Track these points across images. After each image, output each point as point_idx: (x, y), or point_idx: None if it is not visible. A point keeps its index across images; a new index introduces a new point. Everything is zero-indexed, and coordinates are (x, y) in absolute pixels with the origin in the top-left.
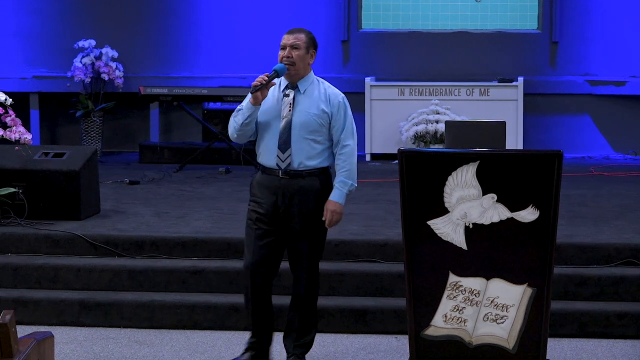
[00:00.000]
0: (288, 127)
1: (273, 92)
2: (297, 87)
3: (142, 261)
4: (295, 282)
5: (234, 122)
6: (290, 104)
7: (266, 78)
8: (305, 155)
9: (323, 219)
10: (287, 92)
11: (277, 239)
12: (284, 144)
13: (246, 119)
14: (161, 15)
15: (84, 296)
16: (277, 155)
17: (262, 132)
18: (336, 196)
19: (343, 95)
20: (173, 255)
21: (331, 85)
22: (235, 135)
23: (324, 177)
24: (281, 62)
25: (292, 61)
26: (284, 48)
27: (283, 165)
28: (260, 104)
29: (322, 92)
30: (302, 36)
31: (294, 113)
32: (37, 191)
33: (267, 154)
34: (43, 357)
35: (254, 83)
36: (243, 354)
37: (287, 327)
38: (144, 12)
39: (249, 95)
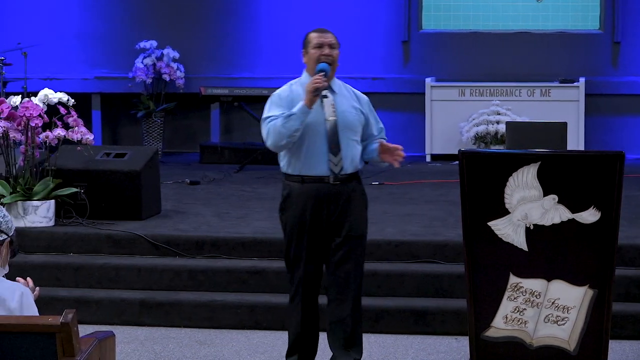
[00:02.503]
0: (335, 129)
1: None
2: (330, 87)
3: (202, 261)
4: (335, 303)
5: (284, 129)
6: (332, 105)
7: (324, 79)
8: (352, 157)
9: (396, 156)
10: (324, 92)
11: (321, 254)
12: (335, 147)
13: (300, 125)
14: (222, 16)
15: (144, 296)
16: (330, 160)
17: (307, 138)
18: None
19: None
20: (233, 255)
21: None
22: (284, 143)
23: (360, 180)
24: (320, 62)
25: (332, 60)
26: (320, 47)
27: (337, 170)
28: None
29: (350, 92)
30: (334, 36)
31: (337, 114)
32: (98, 191)
33: (315, 161)
34: (104, 356)
35: (316, 85)
36: None
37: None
38: (204, 13)
39: (300, 104)
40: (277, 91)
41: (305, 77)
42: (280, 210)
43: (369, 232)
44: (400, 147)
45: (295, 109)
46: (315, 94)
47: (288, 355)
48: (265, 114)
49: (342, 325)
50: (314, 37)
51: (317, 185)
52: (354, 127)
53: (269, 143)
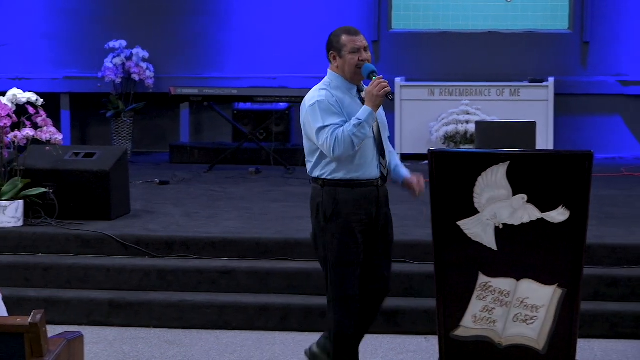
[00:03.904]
0: (379, 131)
1: (350, 99)
2: (361, 89)
3: (172, 261)
4: (371, 308)
5: (356, 138)
6: None
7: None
8: (389, 158)
9: (418, 189)
10: (362, 95)
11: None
12: (382, 149)
13: (370, 131)
14: (191, 16)
15: (114, 296)
16: (380, 163)
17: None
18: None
19: None
20: (203, 255)
21: None
22: (356, 149)
23: None
24: (358, 67)
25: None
26: (357, 51)
27: (385, 172)
28: None
29: None
30: (364, 35)
31: (377, 116)
32: (67, 191)
33: (368, 165)
34: (73, 356)
35: (386, 89)
36: None
37: None
38: (174, 12)
39: (366, 109)
40: (318, 98)
41: (337, 80)
42: (326, 218)
43: None
44: (422, 181)
45: (362, 115)
46: (386, 95)
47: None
48: (321, 122)
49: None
50: (347, 40)
51: (368, 189)
52: (386, 128)
53: (337, 152)
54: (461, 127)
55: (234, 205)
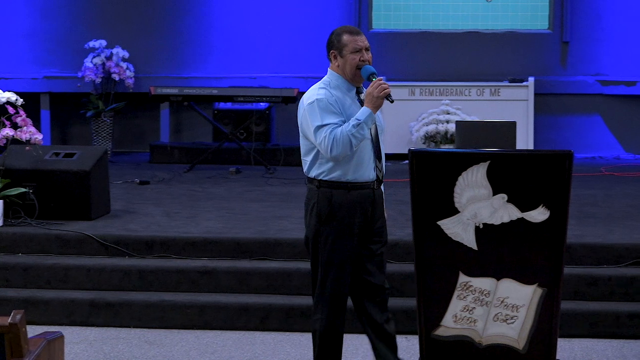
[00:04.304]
0: (376, 133)
1: (350, 99)
2: (360, 91)
3: (152, 261)
4: (376, 308)
5: (355, 139)
6: None
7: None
8: (384, 161)
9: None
10: (361, 97)
11: (359, 259)
12: (378, 151)
13: (368, 132)
14: (172, 16)
15: (94, 296)
16: (377, 166)
17: None
18: None
19: None
20: (183, 255)
21: None
22: (353, 149)
23: None
24: (358, 67)
25: (369, 64)
26: (359, 51)
27: (380, 175)
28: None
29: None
30: (365, 36)
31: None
32: (47, 191)
33: (364, 167)
34: (53, 357)
35: (387, 90)
36: None
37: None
38: (154, 12)
39: (365, 110)
40: (317, 97)
41: (337, 79)
42: (321, 220)
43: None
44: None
45: (361, 116)
46: (387, 97)
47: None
48: (319, 121)
49: (387, 325)
50: (349, 40)
51: (364, 191)
52: (384, 130)
53: (334, 152)
54: (441, 127)
55: (214, 205)
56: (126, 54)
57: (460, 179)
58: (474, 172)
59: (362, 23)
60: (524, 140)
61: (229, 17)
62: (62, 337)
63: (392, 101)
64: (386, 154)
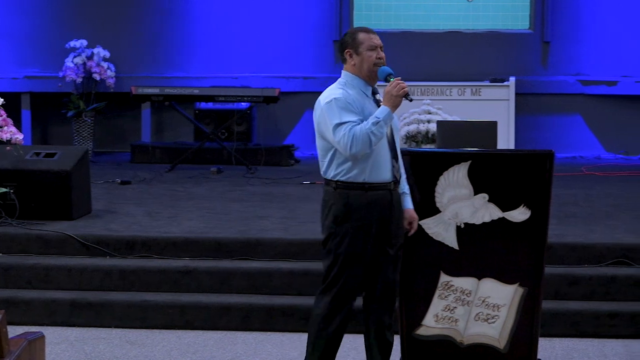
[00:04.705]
0: (392, 134)
1: (366, 99)
2: (377, 92)
3: (133, 261)
4: (381, 310)
5: (374, 137)
6: None
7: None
8: (401, 162)
9: (407, 228)
10: (377, 97)
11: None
12: (395, 152)
13: (386, 131)
14: (153, 15)
15: (75, 296)
16: (393, 166)
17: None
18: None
19: None
20: (164, 255)
21: None
22: (372, 147)
23: None
24: (375, 64)
25: (384, 63)
26: (374, 49)
27: (398, 176)
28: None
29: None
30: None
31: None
32: (28, 191)
33: (382, 168)
34: (34, 357)
35: (405, 89)
36: None
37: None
38: (135, 12)
39: (384, 109)
40: (335, 96)
41: (352, 79)
42: (336, 221)
43: (302, 231)
44: (415, 225)
45: (380, 114)
46: (405, 96)
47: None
48: (338, 119)
49: (388, 332)
50: (365, 38)
51: (381, 192)
52: (398, 130)
53: (354, 150)
54: (423, 127)
55: (196, 204)
56: (107, 54)
57: (441, 178)
58: (455, 172)
59: (343, 23)
60: (505, 140)
61: (210, 17)
62: (43, 337)
63: (410, 100)
64: None
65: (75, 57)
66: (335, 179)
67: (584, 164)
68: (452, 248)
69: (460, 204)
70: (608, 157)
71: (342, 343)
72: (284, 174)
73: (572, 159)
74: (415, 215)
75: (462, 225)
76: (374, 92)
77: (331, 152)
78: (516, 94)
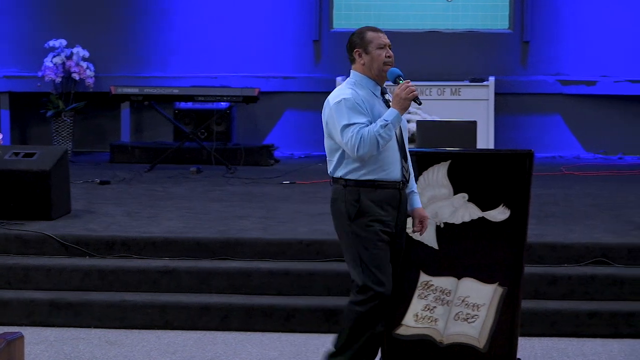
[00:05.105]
0: (401, 134)
1: (376, 99)
2: (386, 92)
3: (112, 261)
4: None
5: (382, 139)
6: None
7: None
8: (410, 162)
9: (415, 229)
10: (386, 97)
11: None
12: (404, 152)
13: (394, 133)
14: (132, 15)
15: (54, 296)
16: (403, 166)
17: None
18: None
19: None
20: (144, 255)
21: None
22: (379, 150)
23: None
24: (385, 63)
25: (393, 63)
26: (383, 47)
27: (407, 176)
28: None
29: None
30: None
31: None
32: (7, 191)
33: (392, 166)
34: (13, 357)
35: (414, 93)
36: None
37: None
38: (115, 11)
39: (393, 111)
40: (344, 96)
41: (362, 79)
42: (350, 218)
43: (281, 231)
44: (426, 224)
45: (388, 117)
46: (415, 99)
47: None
48: (346, 120)
49: (381, 336)
50: (374, 36)
51: (391, 191)
52: (407, 130)
53: (361, 152)
54: None
55: (175, 204)
56: (86, 54)
57: (421, 178)
58: (434, 172)
59: (323, 22)
60: (485, 140)
61: (189, 17)
62: (22, 337)
63: (419, 103)
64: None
65: (54, 56)
66: (345, 177)
67: (563, 163)
68: (432, 248)
69: (439, 203)
70: (587, 156)
71: (322, 342)
72: (263, 173)
73: (552, 159)
74: (425, 214)
75: (442, 225)
76: (383, 92)
77: (339, 152)
78: (496, 93)
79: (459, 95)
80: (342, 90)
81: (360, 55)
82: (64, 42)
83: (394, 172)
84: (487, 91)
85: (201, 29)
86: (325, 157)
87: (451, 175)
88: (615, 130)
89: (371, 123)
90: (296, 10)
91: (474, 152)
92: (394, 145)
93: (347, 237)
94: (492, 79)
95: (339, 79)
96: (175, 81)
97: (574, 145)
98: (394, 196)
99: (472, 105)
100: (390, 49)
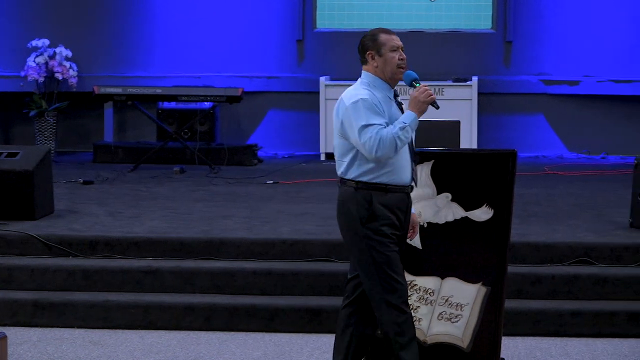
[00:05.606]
0: (411, 139)
1: (390, 101)
2: (398, 94)
3: (96, 261)
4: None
5: (400, 142)
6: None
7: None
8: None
9: (408, 235)
10: (398, 99)
11: None
12: (415, 155)
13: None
14: (115, 15)
15: (37, 296)
16: (413, 169)
17: None
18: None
19: None
20: (127, 255)
21: None
22: (397, 152)
23: None
24: (398, 66)
25: (406, 65)
26: (396, 50)
27: (416, 180)
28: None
29: None
30: None
31: None
32: None
33: (403, 170)
34: None
35: (432, 97)
36: None
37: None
38: (98, 11)
39: (411, 114)
40: (362, 96)
41: (375, 80)
42: (362, 222)
43: (265, 230)
44: (417, 229)
45: (407, 119)
46: (433, 103)
47: None
48: (365, 121)
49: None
50: (387, 39)
51: (400, 195)
52: (415, 134)
53: (379, 153)
54: None
55: (159, 204)
56: (69, 53)
57: None
58: (418, 172)
59: (306, 22)
60: (468, 140)
61: (172, 16)
62: (5, 337)
63: (437, 107)
64: (330, 154)
65: (37, 56)
66: (357, 179)
67: (547, 163)
68: (416, 247)
69: (423, 203)
70: (570, 156)
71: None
72: (247, 173)
73: (535, 159)
74: (417, 220)
75: (425, 225)
76: (395, 95)
77: (352, 153)
78: (479, 93)
79: (442, 95)
80: (358, 90)
81: (373, 58)
82: (46, 41)
83: (405, 176)
84: (470, 91)
85: (184, 29)
86: (323, 158)
87: (434, 175)
88: (598, 130)
89: (388, 125)
90: (279, 10)
91: (457, 151)
92: (405, 148)
93: (359, 241)
94: (475, 78)
95: (322, 78)
96: (159, 81)
97: (557, 145)
98: (403, 200)
99: (456, 105)
100: (402, 51)
